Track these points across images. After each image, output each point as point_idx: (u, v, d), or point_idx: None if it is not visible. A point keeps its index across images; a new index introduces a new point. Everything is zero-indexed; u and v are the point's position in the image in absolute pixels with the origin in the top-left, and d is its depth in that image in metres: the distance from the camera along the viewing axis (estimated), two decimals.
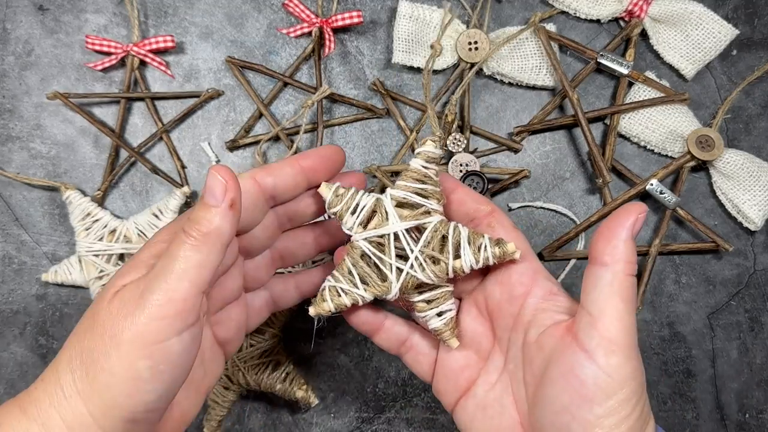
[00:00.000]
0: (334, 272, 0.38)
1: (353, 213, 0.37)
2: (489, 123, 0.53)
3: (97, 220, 0.50)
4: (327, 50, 0.52)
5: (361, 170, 0.53)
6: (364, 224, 0.37)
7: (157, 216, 0.50)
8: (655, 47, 0.53)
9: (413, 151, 0.52)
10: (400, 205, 0.37)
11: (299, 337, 0.51)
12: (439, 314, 0.38)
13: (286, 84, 0.53)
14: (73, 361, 0.30)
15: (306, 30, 0.52)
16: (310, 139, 0.53)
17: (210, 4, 0.53)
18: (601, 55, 0.52)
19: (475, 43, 0.52)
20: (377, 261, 0.37)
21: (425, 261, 0.37)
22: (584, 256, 0.52)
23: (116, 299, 0.30)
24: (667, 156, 0.53)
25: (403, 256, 0.37)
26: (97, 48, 0.52)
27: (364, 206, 0.37)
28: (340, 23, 0.51)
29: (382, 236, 0.37)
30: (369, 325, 0.39)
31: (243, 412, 0.51)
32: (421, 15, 0.52)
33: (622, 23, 0.54)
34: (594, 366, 0.31)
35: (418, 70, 0.53)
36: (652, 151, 0.53)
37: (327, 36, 0.51)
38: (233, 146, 0.52)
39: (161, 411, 0.31)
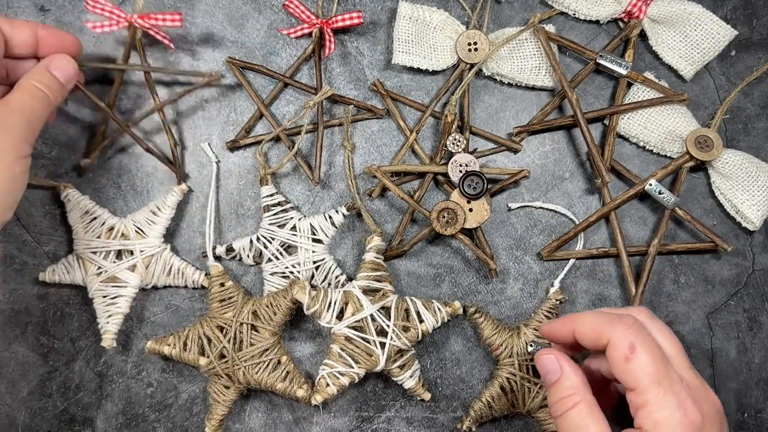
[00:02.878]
0: (326, 360, 0.47)
1: (328, 309, 0.46)
2: (488, 123, 0.53)
3: (95, 218, 0.50)
4: (327, 51, 0.52)
5: (361, 170, 0.53)
6: (339, 316, 0.47)
7: (155, 213, 0.50)
8: (654, 48, 0.53)
9: (413, 151, 0.52)
10: (364, 292, 0.47)
11: (299, 337, 0.52)
12: (411, 375, 0.48)
13: (286, 85, 0.53)
14: None
15: (306, 31, 0.52)
16: (311, 139, 0.53)
17: (210, 4, 0.54)
18: (601, 55, 0.52)
19: (475, 43, 0.52)
20: (362, 341, 0.46)
21: (399, 331, 0.46)
22: (583, 256, 0.52)
23: None
24: (666, 156, 0.53)
25: (379, 333, 0.46)
26: (98, 11, 0.49)
27: (335, 301, 0.47)
28: (340, 24, 0.52)
29: (359, 320, 0.46)
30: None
31: (243, 411, 0.51)
32: (421, 16, 0.52)
33: (621, 24, 0.54)
34: None
35: (418, 70, 0.53)
36: (651, 151, 0.53)
37: (327, 37, 0.51)
38: (234, 146, 0.52)
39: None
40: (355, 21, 0.51)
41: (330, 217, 0.50)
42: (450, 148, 0.51)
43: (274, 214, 0.50)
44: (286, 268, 0.50)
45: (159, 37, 0.50)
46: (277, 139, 0.53)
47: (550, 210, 0.53)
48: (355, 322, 0.47)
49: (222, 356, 0.48)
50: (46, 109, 0.43)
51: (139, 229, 0.50)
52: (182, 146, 0.52)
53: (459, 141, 0.51)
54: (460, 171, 0.50)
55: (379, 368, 0.47)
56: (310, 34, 0.53)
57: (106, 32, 0.50)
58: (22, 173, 0.41)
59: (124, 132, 0.51)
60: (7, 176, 0.40)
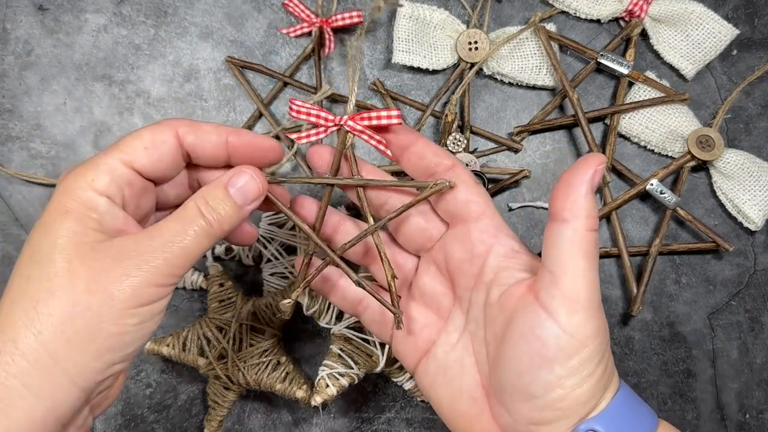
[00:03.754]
0: (326, 361, 0.46)
1: (328, 310, 0.46)
2: (489, 123, 0.53)
3: None
4: (327, 50, 0.52)
5: None
6: (339, 316, 0.46)
7: None
8: (655, 47, 0.53)
9: None
10: None
11: (299, 337, 0.51)
12: (411, 377, 0.47)
13: (286, 84, 0.53)
14: (40, 310, 0.29)
15: (306, 30, 0.52)
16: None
17: (210, 4, 0.53)
18: (602, 54, 0.52)
19: (475, 42, 0.52)
20: (361, 341, 0.46)
21: None
22: None
23: (109, 250, 0.30)
24: (667, 156, 0.53)
25: None
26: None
27: None
28: (340, 23, 0.51)
29: (358, 320, 0.44)
30: (324, 283, 0.39)
31: (243, 412, 0.51)
32: (422, 15, 0.52)
33: (622, 23, 0.54)
34: (555, 325, 0.30)
35: (418, 70, 0.53)
36: (653, 151, 0.53)
37: (327, 36, 0.51)
38: None
39: (126, 366, 0.32)
40: (355, 20, 0.51)
41: None
42: (450, 148, 0.50)
43: (274, 214, 0.50)
44: (285, 268, 0.50)
45: (374, 143, 0.37)
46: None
47: None
48: (355, 322, 0.46)
49: (221, 357, 0.48)
50: (201, 242, 0.32)
51: None
52: (394, 276, 0.36)
53: (459, 141, 0.50)
54: None
55: (379, 369, 0.46)
56: (309, 33, 0.52)
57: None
58: (137, 325, 0.30)
59: (331, 263, 0.37)
60: (111, 330, 0.29)
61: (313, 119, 0.37)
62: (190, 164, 0.36)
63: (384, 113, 0.36)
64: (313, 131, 0.37)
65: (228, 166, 0.36)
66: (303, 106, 0.37)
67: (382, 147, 0.37)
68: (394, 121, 0.36)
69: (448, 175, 0.35)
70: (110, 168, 0.31)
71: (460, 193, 0.35)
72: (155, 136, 0.33)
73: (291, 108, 0.37)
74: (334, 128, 0.37)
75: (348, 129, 0.36)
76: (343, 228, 0.39)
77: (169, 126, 0.33)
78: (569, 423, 0.31)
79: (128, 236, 0.31)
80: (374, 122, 0.36)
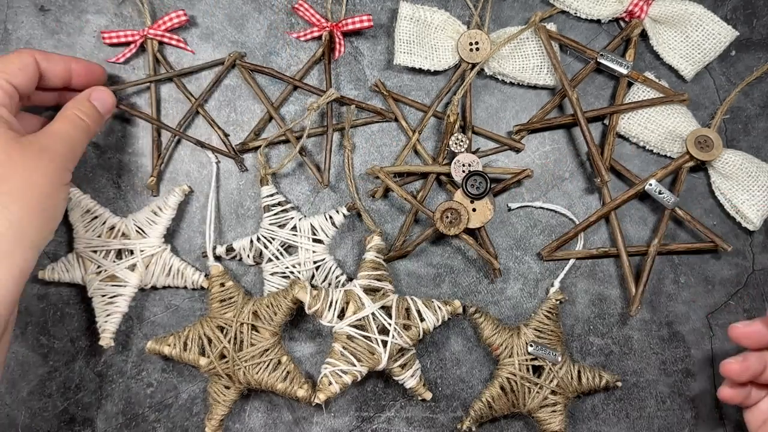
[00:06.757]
0: (328, 359, 0.47)
1: (330, 308, 0.46)
2: (489, 123, 0.53)
3: (96, 217, 0.50)
4: (337, 54, 0.52)
5: (361, 170, 0.53)
6: (340, 315, 0.47)
7: (156, 213, 0.50)
8: (654, 48, 0.53)
9: (416, 152, 0.52)
10: (365, 291, 0.47)
11: (300, 337, 0.52)
12: (412, 375, 0.48)
13: (295, 87, 0.53)
14: None
15: (316, 34, 0.52)
16: (317, 141, 0.53)
17: (210, 4, 0.53)
18: (601, 55, 0.52)
19: (476, 43, 0.52)
20: (363, 339, 0.46)
21: (401, 329, 0.46)
22: (583, 256, 0.52)
23: (32, 144, 0.40)
24: (666, 156, 0.53)
25: (380, 331, 0.46)
26: (114, 41, 0.52)
27: (337, 300, 0.47)
28: (350, 27, 0.51)
29: (360, 319, 0.46)
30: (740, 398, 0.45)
31: (243, 411, 0.51)
32: (422, 16, 0.52)
33: (622, 23, 0.54)
34: None
35: (418, 70, 0.53)
36: (651, 151, 0.53)
37: (337, 40, 0.51)
38: (243, 149, 0.52)
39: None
40: (365, 24, 0.51)
41: (330, 217, 0.50)
42: (453, 148, 0.50)
43: (275, 214, 0.50)
44: (287, 268, 0.50)
45: (174, 43, 0.52)
46: (286, 141, 0.52)
47: (550, 210, 0.53)
48: (357, 320, 0.47)
49: (222, 356, 0.48)
50: (86, 138, 0.44)
51: (139, 228, 0.50)
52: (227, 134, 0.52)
53: (462, 141, 0.50)
54: (463, 171, 0.50)
55: (381, 366, 0.46)
56: (319, 38, 0.52)
57: (129, 57, 0.52)
58: (62, 200, 0.42)
59: (177, 136, 0.52)
60: (47, 204, 0.40)
61: (123, 39, 0.52)
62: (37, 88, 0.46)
63: (173, 14, 0.51)
64: (127, 49, 0.52)
65: (67, 88, 0.48)
66: (113, 32, 0.52)
67: (182, 45, 0.52)
68: (183, 18, 0.51)
69: None
70: (1, 85, 0.42)
71: None
72: (23, 59, 0.43)
73: (103, 38, 0.51)
74: (141, 39, 0.51)
75: (151, 37, 0.53)
76: None
77: (29, 53, 0.44)
78: None
79: (36, 134, 0.41)
80: (168, 24, 0.51)
